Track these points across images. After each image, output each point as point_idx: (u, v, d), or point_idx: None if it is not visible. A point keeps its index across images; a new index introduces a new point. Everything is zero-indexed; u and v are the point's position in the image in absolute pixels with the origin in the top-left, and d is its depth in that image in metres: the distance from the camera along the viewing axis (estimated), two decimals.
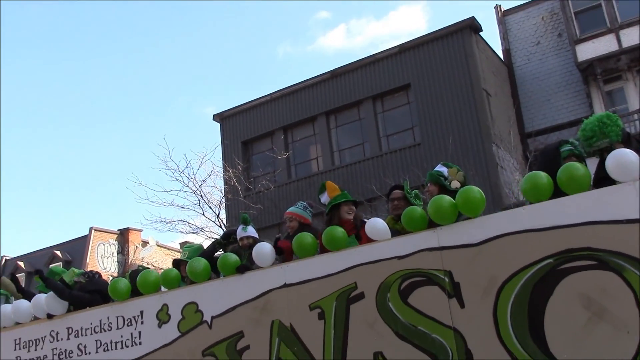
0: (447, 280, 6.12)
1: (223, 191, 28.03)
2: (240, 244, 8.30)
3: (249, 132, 29.50)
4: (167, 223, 27.08)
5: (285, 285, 7.07)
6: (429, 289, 6.25)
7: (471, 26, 25.19)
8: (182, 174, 27.63)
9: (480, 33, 25.90)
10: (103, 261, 42.76)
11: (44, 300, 8.54)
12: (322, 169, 27.01)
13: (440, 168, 7.08)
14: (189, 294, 7.60)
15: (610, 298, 5.56)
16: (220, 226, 26.68)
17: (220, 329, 7.27)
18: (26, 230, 72.30)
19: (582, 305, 5.63)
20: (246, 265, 7.46)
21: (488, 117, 24.29)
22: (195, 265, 7.66)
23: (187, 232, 27.21)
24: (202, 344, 7.36)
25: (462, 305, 6.10)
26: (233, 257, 7.55)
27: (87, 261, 42.30)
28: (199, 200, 27.29)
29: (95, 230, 43.77)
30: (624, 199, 5.63)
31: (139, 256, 39.29)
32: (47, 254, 44.07)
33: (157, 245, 38.51)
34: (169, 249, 39.80)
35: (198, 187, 27.04)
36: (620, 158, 5.77)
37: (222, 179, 28.18)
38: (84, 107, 77.61)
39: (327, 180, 7.89)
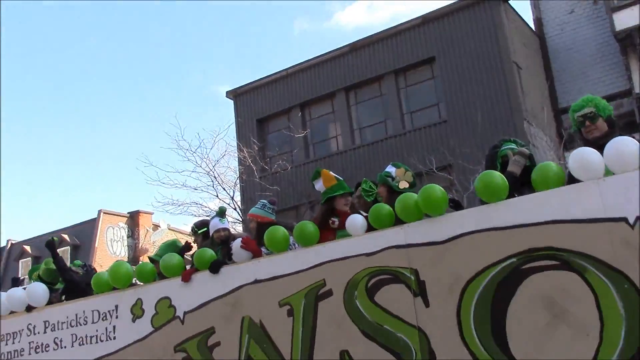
0: (413, 278, 6.32)
1: (237, 172, 28.12)
2: (214, 236, 8.53)
3: (265, 110, 29.62)
4: (179, 205, 27.50)
5: (256, 282, 7.32)
6: (396, 287, 6.46)
7: None
8: (194, 154, 27.99)
9: (510, 1, 25.84)
10: (112, 245, 42.65)
11: (24, 293, 8.91)
12: (342, 148, 27.17)
13: (389, 168, 7.47)
14: (163, 289, 7.92)
15: (572, 299, 5.71)
16: (235, 208, 26.91)
17: (193, 324, 7.57)
18: (33, 214, 73.15)
19: (544, 307, 5.79)
20: (220, 262, 7.74)
21: (519, 92, 24.30)
22: (169, 260, 7.99)
23: (199, 215, 27.02)
24: (175, 339, 7.67)
25: (427, 304, 6.30)
26: (209, 252, 7.84)
27: (96, 245, 42.09)
28: (212, 181, 27.51)
29: (104, 213, 43.76)
30: (587, 198, 5.77)
31: (150, 240, 39.10)
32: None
33: (169, 229, 38.65)
34: (181, 233, 39.90)
35: (211, 167, 27.27)
36: (620, 147, 5.80)
37: (237, 158, 28.36)
38: (93, 85, 78.26)
39: (323, 169, 7.99)
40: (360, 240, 6.85)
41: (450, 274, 6.23)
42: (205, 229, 8.90)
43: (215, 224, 8.52)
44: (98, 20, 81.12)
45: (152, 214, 43.79)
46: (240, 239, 7.73)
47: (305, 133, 28.27)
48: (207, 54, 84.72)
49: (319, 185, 7.60)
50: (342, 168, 25.28)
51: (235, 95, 30.54)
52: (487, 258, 6.10)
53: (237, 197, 27.90)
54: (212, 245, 8.32)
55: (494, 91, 24.23)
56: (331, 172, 7.76)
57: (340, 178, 7.70)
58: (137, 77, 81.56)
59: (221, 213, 8.57)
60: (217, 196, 27.35)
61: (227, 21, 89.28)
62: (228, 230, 8.50)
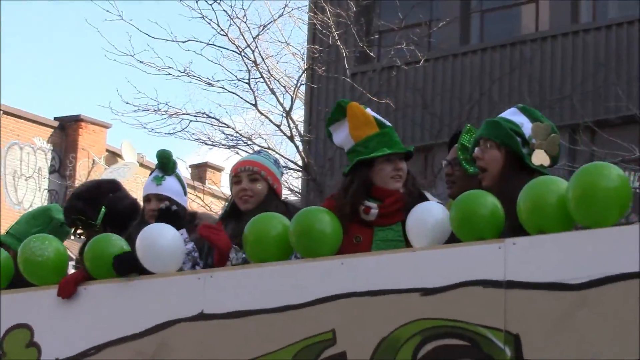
0: (508, 352, 3.72)
1: (305, 58, 18.49)
2: (144, 211, 5.38)
3: None
4: (170, 116, 17.78)
5: (203, 317, 4.34)
6: None
7: None
8: (218, 2, 17.56)
9: None
10: (17, 184, 25.17)
11: None
12: (548, 28, 17.94)
13: (516, 116, 4.66)
14: (19, 308, 4.76)
15: None
16: (291, 137, 17.80)
17: None
18: None
19: None
20: (131, 257, 4.61)
21: None
22: (37, 247, 4.76)
23: (212, 143, 18.40)
24: None
25: None
26: (114, 240, 4.70)
27: None
28: (248, 70, 17.57)
29: (3, 113, 24.61)
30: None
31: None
32: None
33: (140, 165, 25.47)
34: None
35: (249, 39, 17.49)
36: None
37: (305, 28, 18.56)
38: None
39: (352, 101, 5.05)
40: (419, 257, 4.13)
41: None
42: (103, 209, 5.47)
43: (148, 186, 5.43)
44: None
45: (107, 127, 25.99)
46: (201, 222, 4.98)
47: None
48: None
49: (342, 137, 4.89)
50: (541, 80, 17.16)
51: None
52: None
53: (299, 114, 18.02)
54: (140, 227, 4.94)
55: None
56: (368, 110, 4.89)
57: (387, 123, 4.90)
58: None
59: (162, 164, 5.42)
60: (255, 106, 17.86)
61: None
62: (168, 199, 5.18)
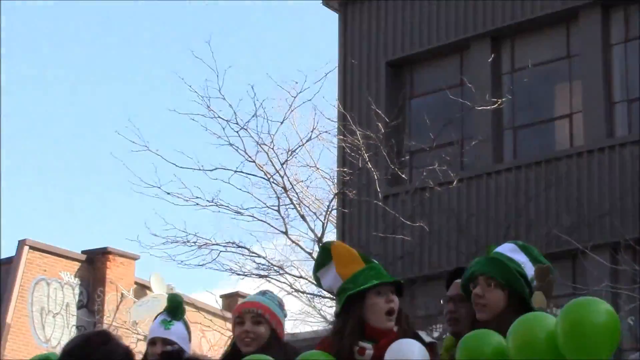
0: None
1: (335, 182, 18.25)
2: (147, 354, 5.50)
3: (409, 43, 17.74)
4: (199, 247, 17.55)
5: None
6: None
7: None
8: (245, 129, 17.37)
9: None
10: (44, 320, 24.19)
11: None
12: (583, 143, 16.46)
13: (516, 254, 4.74)
14: None
15: None
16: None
17: None
18: None
19: None
20: None
21: None
22: None
23: (244, 273, 18.07)
24: None
25: None
26: None
27: (8, 320, 23.35)
28: (277, 196, 17.45)
29: (30, 248, 24.05)
30: None
31: (130, 315, 24.08)
32: None
33: (172, 295, 22.03)
34: (197, 308, 22.01)
35: (277, 166, 17.30)
36: None
37: (335, 151, 17.92)
38: None
39: (334, 241, 5.70)
40: None
41: None
42: None
43: (156, 330, 5.54)
44: None
45: (136, 258, 25.23)
46: None
47: (500, 102, 16.91)
48: None
49: (330, 278, 4.96)
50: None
51: (344, 4, 18.34)
52: None
53: (329, 238, 17.20)
54: None
55: None
56: (352, 249, 5.03)
57: (373, 260, 5.01)
58: None
59: (173, 309, 5.59)
60: (284, 232, 17.59)
61: None
62: (173, 344, 5.30)
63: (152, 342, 5.45)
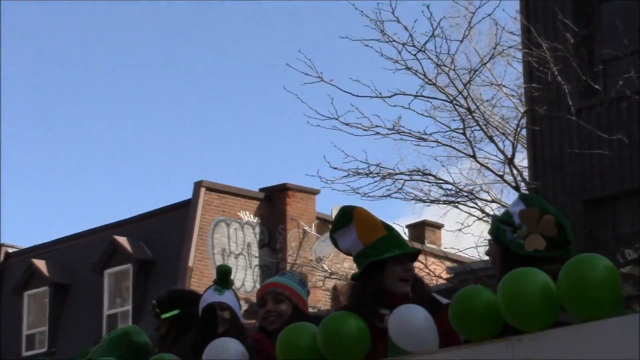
0: None
1: (523, 100, 18.04)
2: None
3: None
4: (384, 177, 17.49)
5: None
6: None
7: None
8: (423, 51, 17.32)
9: None
10: (226, 264, 20.10)
11: None
12: None
13: (513, 207, 4.96)
14: None
15: None
16: (516, 186, 17.29)
17: None
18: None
19: None
20: None
21: None
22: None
23: (431, 201, 17.96)
24: None
25: None
26: None
27: (190, 263, 23.95)
28: (462, 119, 17.50)
29: (206, 190, 24.55)
30: None
31: (313, 252, 23.75)
32: (96, 242, 25.49)
33: None
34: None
35: (463, 88, 17.15)
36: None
37: (523, 67, 17.65)
38: None
39: (363, 212, 5.26)
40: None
41: None
42: (177, 311, 6.04)
43: (207, 297, 5.67)
44: None
45: (316, 193, 25.23)
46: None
47: None
48: None
49: (350, 241, 5.26)
50: None
51: None
52: None
53: (520, 158, 17.56)
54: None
55: None
56: (374, 215, 5.34)
57: (393, 227, 5.33)
58: None
59: (222, 277, 5.77)
60: (472, 156, 17.62)
61: None
62: (230, 309, 5.57)
63: (205, 310, 5.53)
